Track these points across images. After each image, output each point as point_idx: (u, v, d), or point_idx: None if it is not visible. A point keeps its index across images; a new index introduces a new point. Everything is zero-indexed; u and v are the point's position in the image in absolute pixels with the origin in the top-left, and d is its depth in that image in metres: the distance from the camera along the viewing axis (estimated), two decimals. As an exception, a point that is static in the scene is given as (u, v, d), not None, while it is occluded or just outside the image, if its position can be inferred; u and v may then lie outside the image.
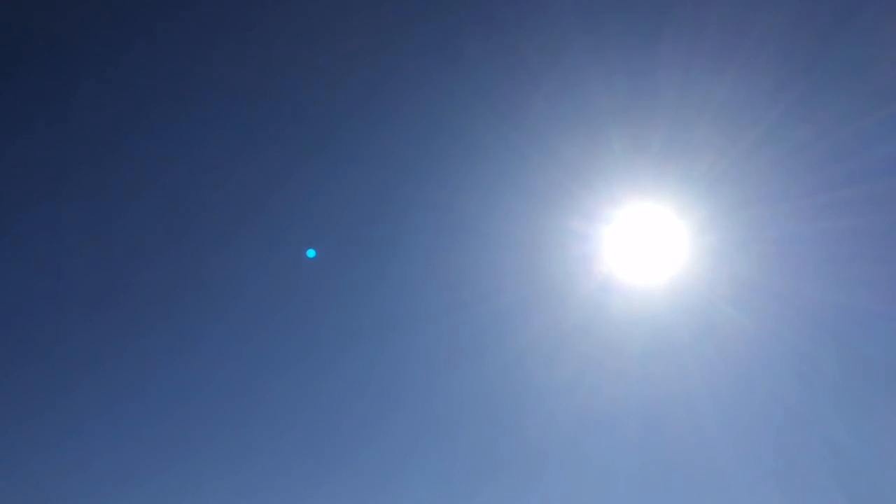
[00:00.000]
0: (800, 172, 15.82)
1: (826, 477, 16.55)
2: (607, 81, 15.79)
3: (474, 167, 16.84)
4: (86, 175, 17.85)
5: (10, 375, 18.13)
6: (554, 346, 17.40)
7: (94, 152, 17.71)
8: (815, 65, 15.61)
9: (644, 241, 16.56)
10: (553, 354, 17.31)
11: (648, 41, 15.59)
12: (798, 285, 16.14)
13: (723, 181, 15.97)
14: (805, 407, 16.93)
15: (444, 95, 16.44)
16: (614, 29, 15.62)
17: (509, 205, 16.60)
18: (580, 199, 16.32)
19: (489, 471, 17.94)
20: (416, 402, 18.27)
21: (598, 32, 15.60)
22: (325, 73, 17.04)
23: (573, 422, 17.41)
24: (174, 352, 18.74)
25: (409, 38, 16.73)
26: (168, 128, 17.66)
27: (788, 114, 15.72)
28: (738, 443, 17.16)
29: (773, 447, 17.18)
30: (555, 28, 15.71)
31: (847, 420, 16.64)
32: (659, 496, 17.14)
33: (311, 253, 15.96)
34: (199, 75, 17.14)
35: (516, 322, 17.19)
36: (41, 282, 18.29)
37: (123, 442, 18.36)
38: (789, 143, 15.82)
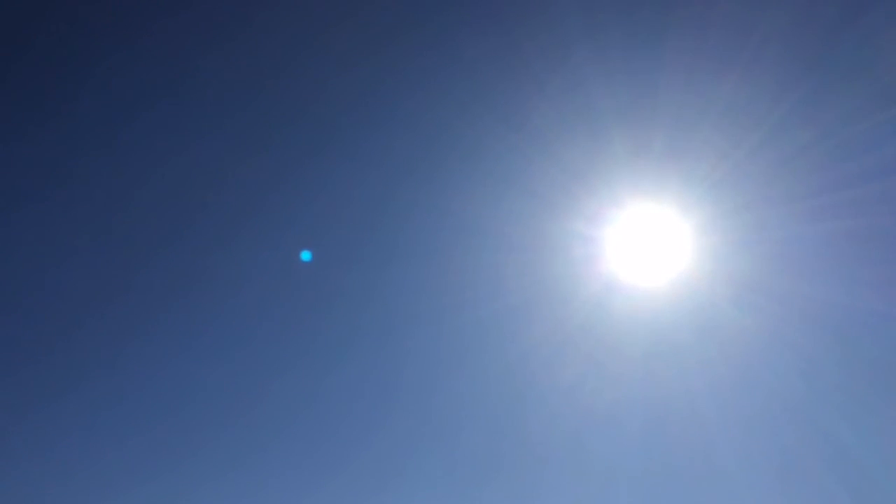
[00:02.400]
0: (803, 173, 15.79)
1: (829, 476, 16.58)
2: (610, 83, 15.70)
3: (476, 168, 16.77)
4: (82, 175, 17.76)
5: (8, 375, 18.09)
6: (557, 347, 17.36)
7: (91, 152, 17.61)
8: (818, 66, 15.55)
9: (647, 242, 16.52)
10: (556, 356, 17.28)
11: (651, 43, 15.51)
12: (802, 286, 16.13)
13: (726, 183, 15.92)
14: (809, 408, 16.95)
15: (445, 96, 16.35)
16: (617, 30, 15.53)
17: (511, 206, 16.54)
18: (582, 201, 16.26)
19: (492, 473, 17.95)
20: (417, 404, 18.25)
21: (600, 34, 15.51)
22: (326, 73, 16.93)
23: (577, 423, 17.40)
24: (172, 352, 18.70)
25: (409, 37, 16.62)
26: (166, 126, 17.57)
27: (791, 115, 15.67)
28: (742, 444, 17.18)
29: (777, 448, 17.21)
30: (557, 29, 15.61)
31: (851, 420, 16.66)
32: (663, 497, 17.17)
33: (305, 255, 15.79)
34: (199, 74, 17.00)
35: (519, 324, 17.16)
36: (38, 282, 18.21)
37: (122, 443, 18.34)
38: (793, 145, 15.78)
